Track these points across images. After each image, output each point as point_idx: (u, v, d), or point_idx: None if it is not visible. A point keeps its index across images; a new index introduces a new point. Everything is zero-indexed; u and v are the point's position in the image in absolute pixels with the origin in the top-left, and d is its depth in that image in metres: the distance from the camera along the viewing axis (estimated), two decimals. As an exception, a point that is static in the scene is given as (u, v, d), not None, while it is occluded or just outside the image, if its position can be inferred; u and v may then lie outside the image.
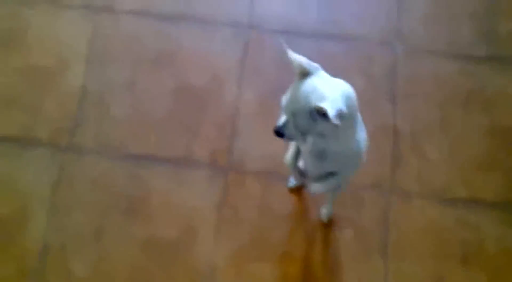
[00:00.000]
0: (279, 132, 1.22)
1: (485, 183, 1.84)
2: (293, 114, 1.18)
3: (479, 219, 1.79)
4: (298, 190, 1.81)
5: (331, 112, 1.11)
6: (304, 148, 1.34)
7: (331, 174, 1.40)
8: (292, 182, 1.81)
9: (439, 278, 1.72)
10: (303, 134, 1.21)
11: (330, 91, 1.15)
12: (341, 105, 1.14)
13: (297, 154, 1.44)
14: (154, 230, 1.76)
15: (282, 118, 1.22)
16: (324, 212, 1.76)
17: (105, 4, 2.04)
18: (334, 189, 1.48)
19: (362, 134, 1.33)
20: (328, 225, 1.78)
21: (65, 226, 1.76)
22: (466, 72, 1.99)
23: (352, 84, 1.92)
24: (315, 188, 1.42)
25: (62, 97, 1.92)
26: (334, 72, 1.96)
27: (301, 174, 1.48)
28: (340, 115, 1.13)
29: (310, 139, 1.30)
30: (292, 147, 1.44)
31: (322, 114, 1.14)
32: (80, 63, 1.96)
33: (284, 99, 1.20)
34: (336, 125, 1.13)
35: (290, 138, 1.23)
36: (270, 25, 2.03)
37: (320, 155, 1.32)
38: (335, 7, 2.07)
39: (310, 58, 1.95)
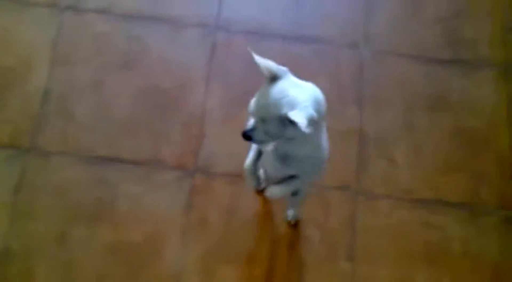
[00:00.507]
0: (247, 136, 1.21)
1: (450, 184, 1.87)
2: (263, 120, 1.17)
3: (444, 220, 1.82)
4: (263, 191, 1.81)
5: (302, 121, 1.10)
6: (267, 151, 1.33)
7: (291, 178, 1.39)
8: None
9: (404, 280, 1.74)
10: (272, 138, 1.20)
11: (300, 97, 1.15)
12: (311, 111, 1.14)
13: (257, 159, 1.42)
14: (121, 235, 1.73)
15: (251, 122, 1.21)
16: (290, 214, 1.76)
17: (70, 3, 2.00)
18: (292, 193, 1.48)
19: (325, 141, 1.33)
20: (295, 227, 1.78)
21: (27, 233, 1.71)
22: (432, 75, 2.01)
23: (319, 87, 1.93)
24: (273, 191, 1.39)
25: (25, 99, 1.87)
26: (301, 74, 1.96)
27: (258, 179, 1.47)
28: (311, 122, 1.13)
29: (274, 143, 1.29)
30: (252, 152, 1.42)
31: (292, 121, 1.13)
32: (44, 64, 1.92)
33: (253, 104, 1.19)
34: (305, 132, 1.12)
35: (258, 142, 1.22)
36: (237, 26, 2.02)
37: (283, 158, 1.31)
38: (302, 9, 2.07)
39: (276, 60, 1.96)
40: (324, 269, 1.74)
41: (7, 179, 1.77)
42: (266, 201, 1.80)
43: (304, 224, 1.79)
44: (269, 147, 1.32)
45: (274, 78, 1.18)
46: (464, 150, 1.92)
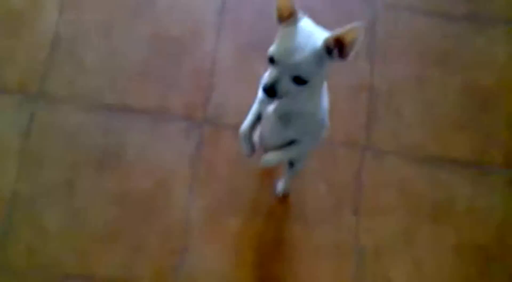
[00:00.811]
0: (271, 90, 1.11)
1: (458, 142, 1.86)
2: (295, 65, 1.08)
3: (451, 177, 1.82)
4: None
5: (354, 37, 1.04)
6: (268, 113, 1.27)
7: (288, 145, 1.33)
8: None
9: (408, 234, 1.76)
10: (297, 88, 1.12)
11: (327, 33, 1.09)
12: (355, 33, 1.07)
13: (254, 124, 1.35)
14: (127, 183, 1.74)
15: (272, 74, 1.11)
16: (280, 187, 1.73)
17: None
18: (288, 160, 1.43)
19: (326, 103, 1.28)
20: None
21: (35, 178, 1.72)
22: (445, 31, 1.98)
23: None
24: (268, 157, 1.33)
25: (34, 44, 1.85)
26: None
27: (253, 146, 1.39)
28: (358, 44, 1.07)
29: (277, 101, 1.23)
30: (250, 116, 1.35)
31: (329, 52, 1.08)
32: (53, 8, 1.89)
33: (276, 51, 1.10)
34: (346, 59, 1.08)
35: (282, 95, 1.12)
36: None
37: (285, 118, 1.25)
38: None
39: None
40: (329, 221, 1.75)
41: (16, 125, 1.77)
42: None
43: (311, 176, 1.79)
44: (271, 107, 1.26)
45: (291, 20, 1.11)
46: (474, 107, 1.90)
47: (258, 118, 1.34)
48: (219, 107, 1.83)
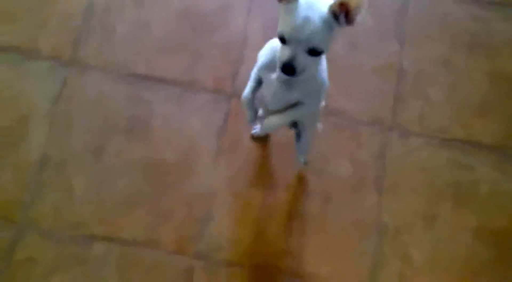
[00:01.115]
0: (290, 68, 1.12)
1: (484, 126, 1.86)
2: (308, 38, 1.09)
3: (475, 161, 1.82)
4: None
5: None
6: (272, 77, 1.27)
7: (290, 107, 1.33)
8: (256, 129, 1.77)
9: (431, 216, 1.76)
10: (316, 57, 1.14)
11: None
12: None
13: (255, 89, 1.36)
14: (154, 152, 1.77)
15: (287, 52, 1.12)
16: (300, 161, 1.70)
17: None
18: (292, 125, 1.43)
19: (324, 63, 1.28)
20: (325, 157, 1.80)
21: (65, 142, 1.76)
22: (474, 16, 1.97)
23: (362, 22, 1.92)
24: (271, 120, 1.33)
25: (67, 12, 1.88)
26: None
27: (256, 112, 1.40)
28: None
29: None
30: (250, 82, 1.36)
31: (335, 18, 1.09)
32: (87, -23, 1.93)
33: (286, 29, 1.10)
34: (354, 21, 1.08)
35: (301, 71, 1.13)
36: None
37: (288, 82, 1.25)
38: None
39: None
40: (352, 199, 1.76)
41: (47, 90, 1.80)
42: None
43: (335, 154, 1.80)
44: (274, 74, 1.26)
45: None
46: (501, 93, 1.89)
47: (259, 83, 1.35)
48: (247, 81, 1.85)
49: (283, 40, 1.12)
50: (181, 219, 1.71)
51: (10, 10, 1.87)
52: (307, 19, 1.08)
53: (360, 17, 1.08)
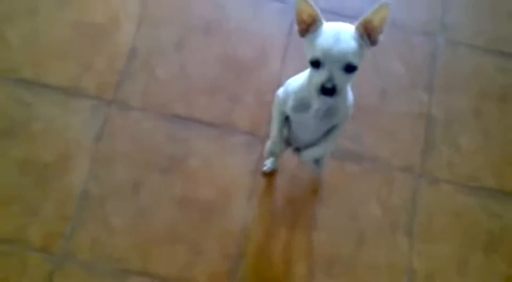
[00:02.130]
0: (332, 90, 1.14)
1: (514, 176, 1.89)
2: (343, 54, 1.12)
3: (506, 209, 1.84)
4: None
5: (384, 22, 1.13)
6: (309, 113, 1.30)
7: (325, 135, 1.38)
8: (268, 165, 1.82)
9: (460, 263, 1.78)
10: (351, 75, 1.16)
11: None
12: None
13: (282, 131, 1.42)
14: (191, 190, 1.81)
15: (323, 74, 1.14)
16: (320, 167, 1.76)
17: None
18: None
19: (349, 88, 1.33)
20: (357, 201, 1.83)
21: (105, 177, 1.82)
22: (503, 68, 2.03)
23: (392, 69, 1.99)
24: (310, 154, 1.39)
25: (113, 54, 1.98)
26: (375, 55, 2.01)
27: (287, 145, 1.46)
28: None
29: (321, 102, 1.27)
30: (276, 125, 1.40)
31: (361, 37, 1.14)
32: (132, 22, 2.02)
33: (320, 51, 1.13)
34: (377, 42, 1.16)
35: (340, 90, 1.16)
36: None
37: (329, 112, 1.29)
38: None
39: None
40: (382, 242, 1.79)
41: (90, 127, 1.88)
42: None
43: (367, 199, 1.84)
44: (312, 109, 1.29)
45: (314, 26, 1.16)
46: (530, 144, 1.93)
47: (283, 123, 1.41)
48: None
49: (316, 64, 1.14)
50: (214, 255, 1.74)
51: (60, 50, 1.96)
52: (337, 37, 1.12)
53: (382, 37, 1.15)
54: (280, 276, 1.73)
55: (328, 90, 1.14)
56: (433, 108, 1.97)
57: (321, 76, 1.14)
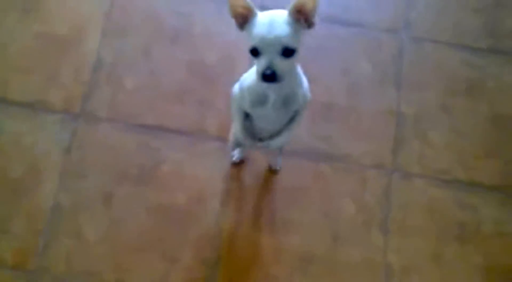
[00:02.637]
0: (271, 74, 1.16)
1: (484, 167, 1.91)
2: (279, 38, 1.14)
3: (477, 201, 1.86)
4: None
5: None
6: (267, 105, 1.32)
7: (287, 124, 1.41)
8: (236, 155, 1.84)
9: (436, 256, 1.79)
10: (291, 58, 1.18)
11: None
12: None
13: (244, 126, 1.44)
14: (164, 197, 1.80)
15: (263, 61, 1.17)
16: (278, 162, 1.84)
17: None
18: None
19: (301, 73, 1.34)
20: (331, 200, 1.83)
21: (75, 190, 1.80)
22: (469, 62, 2.06)
23: (360, 68, 2.00)
24: (279, 141, 1.42)
25: (78, 66, 1.96)
26: (343, 55, 2.03)
27: (252, 138, 1.48)
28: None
29: (274, 86, 1.28)
30: (238, 120, 1.43)
31: (298, 19, 1.17)
32: (96, 33, 2.01)
33: (256, 39, 1.16)
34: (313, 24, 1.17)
35: (282, 76, 1.18)
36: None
37: (286, 100, 1.31)
38: (346, -7, 2.14)
39: (320, 40, 2.02)
40: (358, 240, 1.79)
41: (58, 141, 1.86)
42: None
43: (340, 198, 1.84)
44: (270, 100, 1.31)
45: (250, 18, 1.19)
46: (499, 135, 1.95)
47: (246, 116, 1.42)
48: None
49: (255, 52, 1.17)
50: (190, 263, 1.73)
51: (24, 64, 1.94)
52: (271, 23, 1.15)
53: (317, 19, 1.17)
54: (258, 280, 1.72)
55: (268, 76, 1.16)
56: (402, 105, 1.99)
57: (261, 63, 1.17)
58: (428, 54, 2.07)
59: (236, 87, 1.41)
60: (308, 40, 2.05)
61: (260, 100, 1.31)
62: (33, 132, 1.86)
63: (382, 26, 2.09)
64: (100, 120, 1.89)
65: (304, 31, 1.19)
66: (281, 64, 1.17)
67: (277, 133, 1.44)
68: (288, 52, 1.16)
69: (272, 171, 1.87)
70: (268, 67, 1.15)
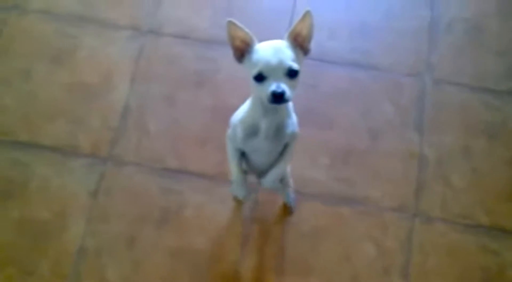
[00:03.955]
0: (279, 94, 1.20)
1: (507, 211, 1.89)
2: (283, 61, 1.20)
3: (500, 246, 1.84)
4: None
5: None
6: (260, 139, 1.37)
7: (278, 158, 1.45)
8: (241, 193, 1.85)
9: (459, 302, 1.76)
10: (295, 79, 1.22)
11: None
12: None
13: (241, 170, 1.49)
14: (185, 240, 1.84)
15: (268, 85, 1.21)
16: (291, 199, 1.86)
17: (151, 27, 2.18)
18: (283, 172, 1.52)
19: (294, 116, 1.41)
20: (350, 242, 1.84)
21: (101, 233, 1.85)
22: (490, 105, 2.06)
23: (381, 111, 2.02)
24: (272, 176, 1.46)
25: (107, 112, 2.04)
26: (363, 98, 2.05)
27: (246, 177, 1.52)
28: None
29: (267, 117, 1.33)
30: (234, 161, 1.47)
31: (300, 46, 1.25)
32: (125, 79, 2.09)
33: (261, 65, 1.20)
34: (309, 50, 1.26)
35: (288, 97, 1.21)
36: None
37: (278, 131, 1.36)
38: (367, 37, 2.17)
39: (339, 84, 2.06)
40: (379, 285, 1.78)
41: (86, 184, 1.92)
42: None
43: (360, 241, 1.84)
44: (261, 133, 1.35)
45: (249, 49, 1.24)
46: (522, 178, 1.94)
47: (241, 155, 1.47)
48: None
49: (260, 77, 1.21)
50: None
51: (55, 111, 2.03)
52: (274, 48, 1.21)
53: (312, 45, 1.24)
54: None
55: (278, 95, 1.19)
56: (423, 147, 1.99)
57: (269, 86, 1.20)
58: (450, 96, 2.08)
59: (229, 131, 1.47)
60: (328, 84, 2.08)
61: (253, 131, 1.36)
62: (62, 176, 1.93)
63: (403, 69, 2.12)
64: (126, 164, 1.95)
65: (302, 58, 1.26)
66: (286, 84, 1.21)
67: (269, 169, 1.48)
68: (292, 73, 1.21)
69: (287, 208, 1.88)
70: (278, 86, 1.19)
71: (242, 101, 1.36)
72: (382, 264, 1.81)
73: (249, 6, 2.22)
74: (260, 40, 1.25)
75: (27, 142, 1.98)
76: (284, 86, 1.19)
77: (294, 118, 1.40)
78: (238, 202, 1.89)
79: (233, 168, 1.49)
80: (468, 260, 1.82)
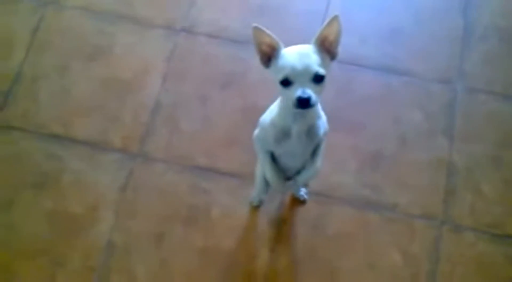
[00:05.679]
0: (308, 100, 1.20)
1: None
2: (310, 66, 1.19)
3: (529, 257, 1.82)
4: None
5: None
6: (292, 141, 1.36)
7: (311, 158, 1.45)
8: (257, 198, 1.86)
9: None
10: (321, 84, 1.22)
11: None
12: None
13: (276, 170, 1.49)
14: (213, 240, 1.85)
15: (294, 90, 1.21)
16: (303, 192, 1.87)
17: (184, 26, 2.20)
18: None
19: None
20: (377, 249, 1.83)
21: (129, 228, 1.87)
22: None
23: (411, 117, 2.01)
24: (304, 177, 1.47)
25: (138, 108, 2.06)
26: (393, 104, 2.04)
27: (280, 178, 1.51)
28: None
29: (301, 117, 1.32)
30: (269, 165, 1.47)
31: (328, 51, 1.24)
32: (157, 77, 2.11)
33: (287, 69, 1.20)
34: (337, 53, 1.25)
35: (315, 101, 1.22)
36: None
37: (309, 133, 1.36)
38: (398, 42, 2.16)
39: (368, 89, 2.06)
40: (404, 292, 1.78)
41: (115, 179, 1.95)
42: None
43: (388, 248, 1.84)
44: (293, 135, 1.35)
45: (275, 54, 1.23)
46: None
47: (273, 160, 1.48)
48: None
49: (287, 82, 1.21)
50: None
51: (88, 105, 2.06)
52: (300, 53, 1.21)
53: (342, 50, 1.23)
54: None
55: (304, 100, 1.19)
56: (453, 155, 1.98)
57: (295, 91, 1.20)
58: (482, 105, 2.06)
59: (256, 132, 1.47)
60: (359, 88, 2.08)
61: (284, 134, 1.36)
62: (93, 170, 1.96)
63: (435, 76, 2.11)
64: (156, 160, 1.97)
65: (329, 62, 1.25)
66: (312, 89, 1.21)
67: (302, 168, 1.48)
68: (318, 78, 1.20)
69: (300, 202, 1.89)
70: (304, 91, 1.19)
71: (271, 103, 1.37)
72: (408, 271, 1.81)
73: (282, 8, 2.23)
74: (291, 42, 1.26)
75: (62, 135, 2.01)
76: (309, 92, 1.20)
77: (323, 118, 1.40)
78: (254, 208, 1.90)
79: (267, 169, 1.48)
80: (495, 270, 1.80)
